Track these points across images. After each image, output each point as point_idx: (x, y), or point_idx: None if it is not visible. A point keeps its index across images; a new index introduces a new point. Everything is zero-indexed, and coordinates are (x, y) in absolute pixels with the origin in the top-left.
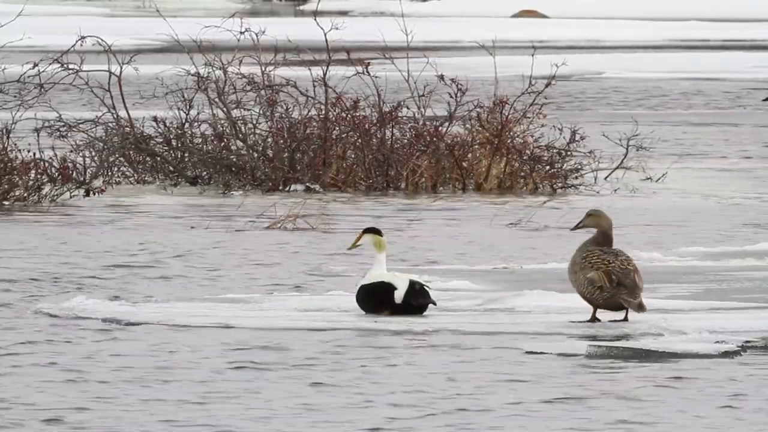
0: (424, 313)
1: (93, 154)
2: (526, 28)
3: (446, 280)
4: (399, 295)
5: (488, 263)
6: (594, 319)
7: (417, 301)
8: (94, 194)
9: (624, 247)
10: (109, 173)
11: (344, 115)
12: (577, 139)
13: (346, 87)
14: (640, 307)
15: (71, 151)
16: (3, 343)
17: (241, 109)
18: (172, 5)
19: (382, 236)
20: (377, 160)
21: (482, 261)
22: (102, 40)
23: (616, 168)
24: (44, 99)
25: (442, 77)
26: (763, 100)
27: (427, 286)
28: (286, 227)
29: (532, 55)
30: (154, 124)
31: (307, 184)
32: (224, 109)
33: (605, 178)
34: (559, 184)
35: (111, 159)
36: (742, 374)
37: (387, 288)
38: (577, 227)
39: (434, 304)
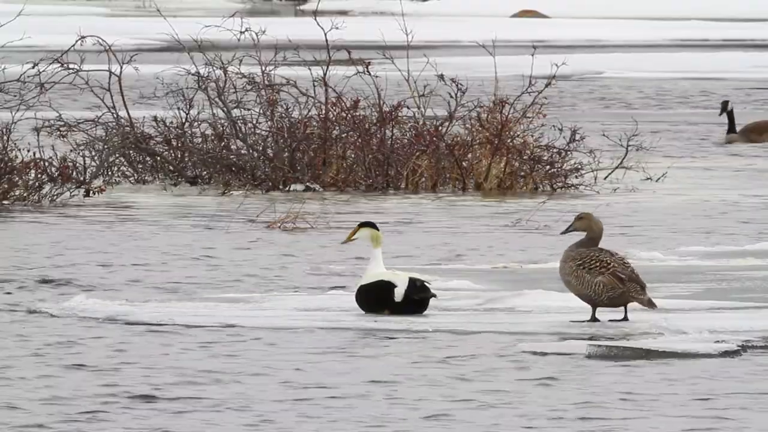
0: (425, 313)
1: (93, 154)
2: (526, 28)
3: (446, 280)
4: (399, 293)
5: (488, 263)
6: (594, 319)
7: (418, 295)
8: (94, 194)
9: (625, 248)
10: (109, 173)
11: (344, 114)
12: (577, 139)
13: (346, 87)
14: (651, 304)
15: (71, 151)
16: (3, 344)
17: (241, 109)
18: (172, 5)
19: (378, 231)
20: (377, 159)
21: (482, 261)
22: (102, 39)
23: (616, 168)
24: (44, 99)
25: (442, 77)
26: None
27: (427, 284)
28: (286, 227)
29: (532, 55)
30: (154, 123)
31: (307, 183)
32: (224, 108)
33: (605, 178)
34: (559, 184)
35: (111, 159)
36: (742, 374)
37: (386, 287)
38: (567, 231)
39: (435, 296)
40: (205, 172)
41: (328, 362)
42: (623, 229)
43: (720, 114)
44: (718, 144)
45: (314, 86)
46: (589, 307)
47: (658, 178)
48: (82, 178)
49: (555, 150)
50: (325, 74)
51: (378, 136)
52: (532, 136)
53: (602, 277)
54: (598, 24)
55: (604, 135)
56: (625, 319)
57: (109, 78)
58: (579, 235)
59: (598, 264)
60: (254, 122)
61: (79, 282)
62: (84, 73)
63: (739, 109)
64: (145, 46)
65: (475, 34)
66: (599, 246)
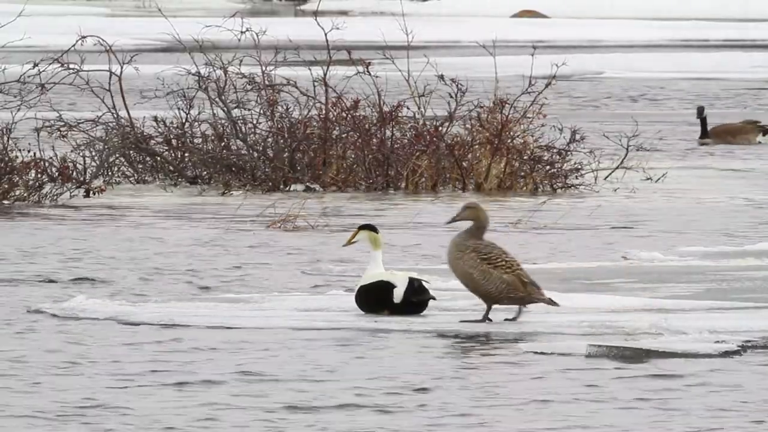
0: (424, 313)
1: (93, 154)
2: (526, 28)
3: (446, 280)
4: (398, 294)
5: None
6: (487, 318)
7: (417, 297)
8: (94, 194)
9: (625, 247)
10: (109, 173)
11: (344, 115)
12: (577, 139)
13: (346, 87)
14: (552, 302)
15: (71, 151)
16: (3, 344)
17: (242, 109)
18: (172, 5)
19: (378, 233)
20: (377, 160)
21: None
22: (102, 39)
23: (616, 168)
24: (45, 99)
25: (442, 77)
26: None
27: (426, 282)
28: (286, 227)
29: (532, 55)
30: (154, 124)
31: (307, 184)
32: (224, 108)
33: (605, 178)
34: (559, 184)
35: (111, 159)
36: (742, 374)
37: (386, 287)
38: (453, 220)
39: (434, 299)
40: (205, 173)
41: (328, 362)
42: (623, 229)
43: (696, 117)
44: (706, 146)
45: (314, 86)
46: (483, 302)
47: (658, 179)
48: (82, 178)
49: (555, 150)
50: (325, 74)
51: (378, 136)
52: (532, 136)
53: (507, 276)
54: (598, 24)
55: (604, 135)
56: (515, 320)
57: (110, 78)
58: (466, 224)
59: (503, 263)
60: (254, 122)
61: (80, 282)
62: (84, 73)
63: (738, 109)
64: (145, 46)
65: (475, 34)
66: (484, 237)
